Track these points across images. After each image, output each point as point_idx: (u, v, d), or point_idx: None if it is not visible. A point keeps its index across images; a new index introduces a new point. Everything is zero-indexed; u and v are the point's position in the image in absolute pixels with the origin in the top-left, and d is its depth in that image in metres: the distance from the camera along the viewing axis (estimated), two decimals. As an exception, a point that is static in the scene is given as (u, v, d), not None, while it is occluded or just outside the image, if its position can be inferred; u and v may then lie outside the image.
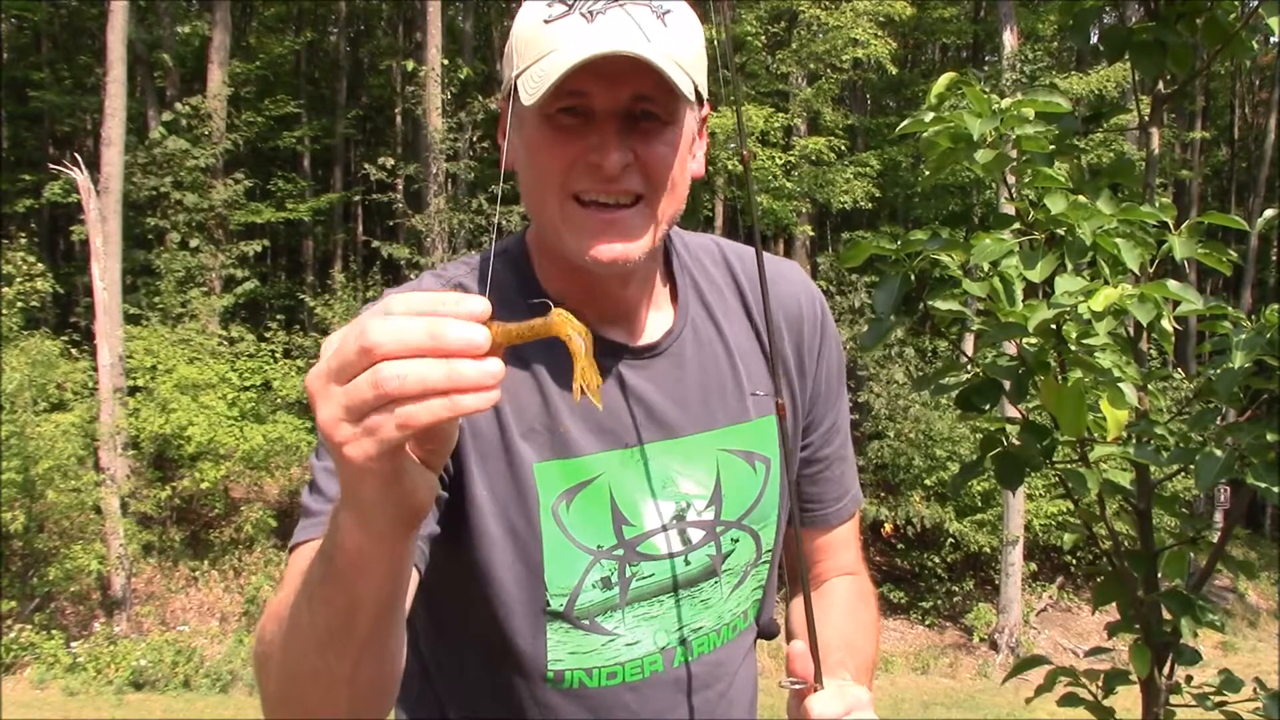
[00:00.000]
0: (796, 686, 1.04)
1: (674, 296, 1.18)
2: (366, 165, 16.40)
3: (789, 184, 16.18)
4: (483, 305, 0.66)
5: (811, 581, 1.29)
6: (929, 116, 2.00)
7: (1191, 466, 1.93)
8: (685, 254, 1.21)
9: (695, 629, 1.15)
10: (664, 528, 1.12)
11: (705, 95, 1.10)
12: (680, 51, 1.01)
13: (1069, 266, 1.92)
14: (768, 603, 1.25)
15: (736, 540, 1.17)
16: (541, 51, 1.00)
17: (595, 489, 1.09)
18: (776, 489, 1.19)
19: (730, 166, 16.01)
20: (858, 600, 1.30)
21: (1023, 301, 1.97)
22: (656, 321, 1.16)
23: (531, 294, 1.10)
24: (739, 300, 1.21)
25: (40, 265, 15.00)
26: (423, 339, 0.64)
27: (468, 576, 1.07)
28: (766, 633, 1.25)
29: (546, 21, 1.01)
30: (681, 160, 1.07)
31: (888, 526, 15.64)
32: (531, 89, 0.99)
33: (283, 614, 0.83)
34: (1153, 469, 2.13)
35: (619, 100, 1.01)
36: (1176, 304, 1.91)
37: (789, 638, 1.21)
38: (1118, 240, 1.88)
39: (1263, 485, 1.81)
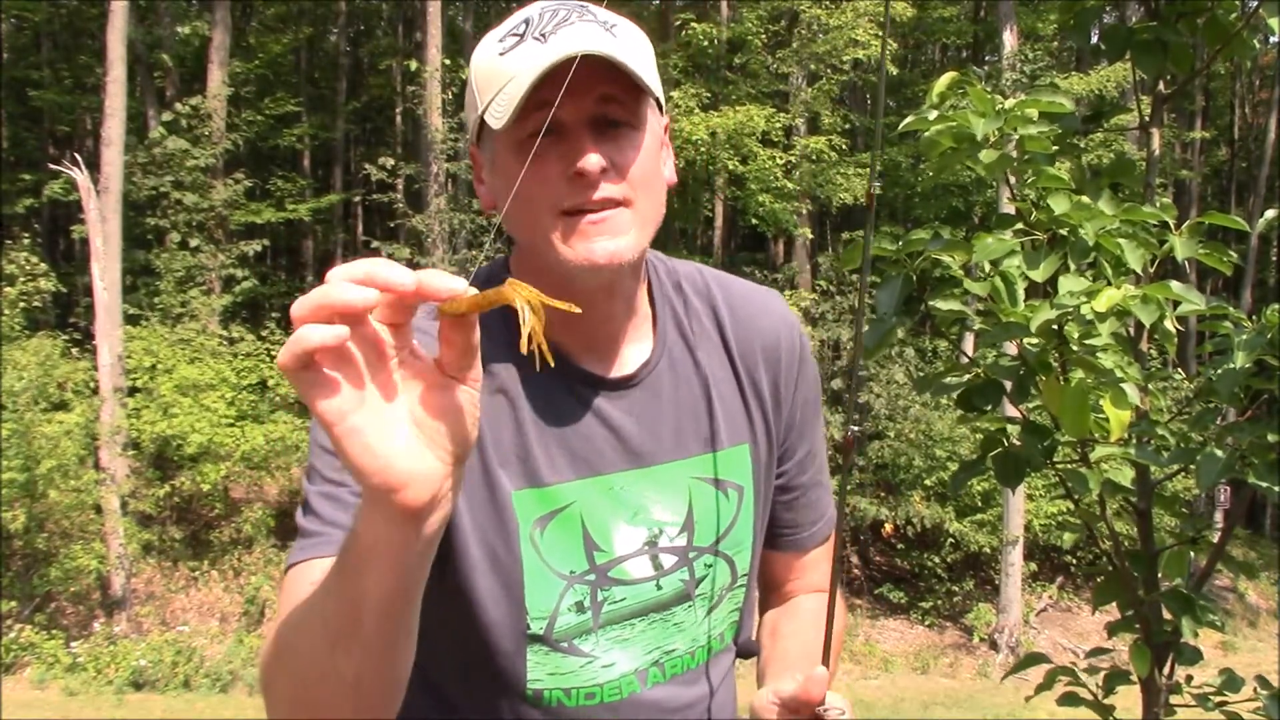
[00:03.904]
0: (843, 717, 1.06)
1: (654, 324, 1.20)
2: (366, 165, 16.39)
3: (789, 184, 16.19)
4: (460, 284, 0.72)
5: (781, 598, 1.34)
6: (932, 115, 2.00)
7: (1192, 466, 1.93)
8: (667, 282, 1.24)
9: (669, 651, 1.18)
10: (635, 554, 1.15)
11: (663, 103, 1.13)
12: (635, 57, 1.03)
13: (1072, 266, 1.93)
14: (746, 623, 1.27)
15: (710, 565, 1.19)
16: (502, 81, 1.03)
17: (567, 516, 1.12)
18: (750, 515, 1.22)
19: (731, 166, 16.00)
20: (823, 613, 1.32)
21: (1024, 301, 1.97)
22: (634, 353, 1.18)
23: (510, 318, 1.12)
24: (717, 330, 1.24)
25: (43, 265, 14.99)
26: (359, 274, 0.69)
27: (451, 598, 1.09)
28: (745, 652, 1.28)
29: (501, 54, 1.04)
30: (654, 163, 1.10)
31: (888, 526, 15.64)
32: (499, 114, 1.02)
33: (293, 619, 0.86)
34: (1153, 469, 2.13)
35: (586, 107, 1.03)
36: (1177, 304, 1.91)
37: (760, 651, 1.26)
38: (1121, 241, 1.88)
39: (1263, 485, 1.82)
